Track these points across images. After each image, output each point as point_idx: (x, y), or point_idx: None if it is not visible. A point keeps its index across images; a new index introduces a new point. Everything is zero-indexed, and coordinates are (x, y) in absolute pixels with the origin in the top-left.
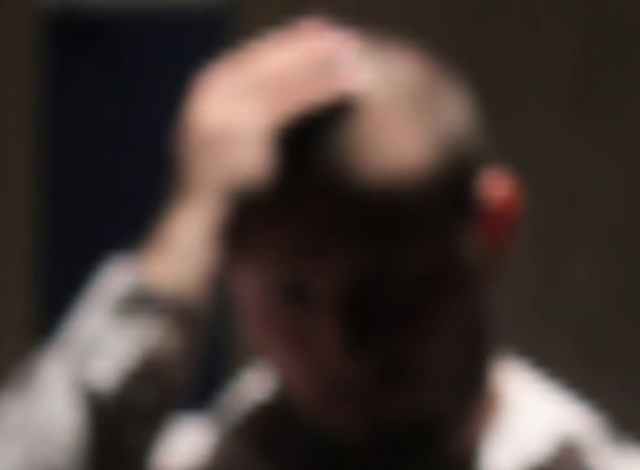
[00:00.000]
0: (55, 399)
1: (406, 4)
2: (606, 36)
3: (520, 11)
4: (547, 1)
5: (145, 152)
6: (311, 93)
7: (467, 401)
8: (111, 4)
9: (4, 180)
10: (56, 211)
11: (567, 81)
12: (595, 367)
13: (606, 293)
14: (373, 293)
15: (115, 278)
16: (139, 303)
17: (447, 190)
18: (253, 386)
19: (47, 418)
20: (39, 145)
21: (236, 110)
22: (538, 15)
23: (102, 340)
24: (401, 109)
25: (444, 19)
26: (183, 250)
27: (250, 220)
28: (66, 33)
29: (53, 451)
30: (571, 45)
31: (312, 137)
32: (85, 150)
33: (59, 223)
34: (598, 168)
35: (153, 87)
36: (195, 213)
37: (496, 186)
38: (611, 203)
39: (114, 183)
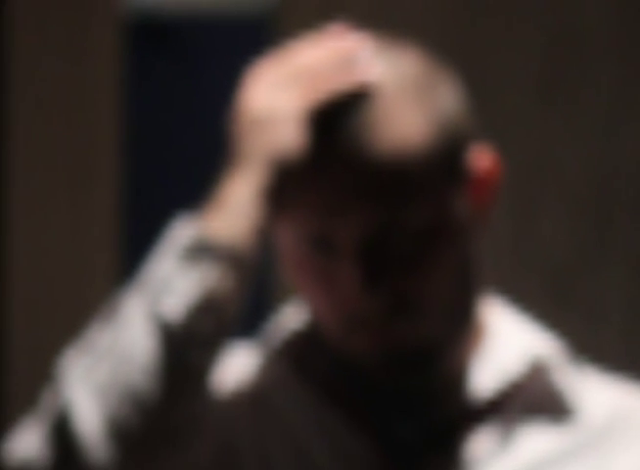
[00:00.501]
0: (134, 328)
1: (410, 14)
2: (566, 40)
3: (499, 18)
4: (520, 11)
5: (206, 132)
6: (336, 83)
7: (458, 329)
8: (179, 11)
9: (95, 154)
10: (138, 181)
11: (535, 75)
12: (558, 302)
13: (567, 244)
14: (384, 242)
15: (183, 232)
16: (201, 251)
17: (443, 160)
18: (291, 318)
19: (128, 343)
20: (123, 128)
21: (277, 96)
22: (513, 22)
23: (171, 281)
24: (406, 96)
25: (440, 24)
26: (235, 209)
27: (288, 185)
28: (143, 36)
29: (133, 370)
30: (538, 47)
31: (337, 118)
32: (160, 131)
33: (140, 189)
34: (561, 145)
35: (212, 80)
36: (244, 180)
37: (481, 158)
38: (571, 173)
39: (183, 158)
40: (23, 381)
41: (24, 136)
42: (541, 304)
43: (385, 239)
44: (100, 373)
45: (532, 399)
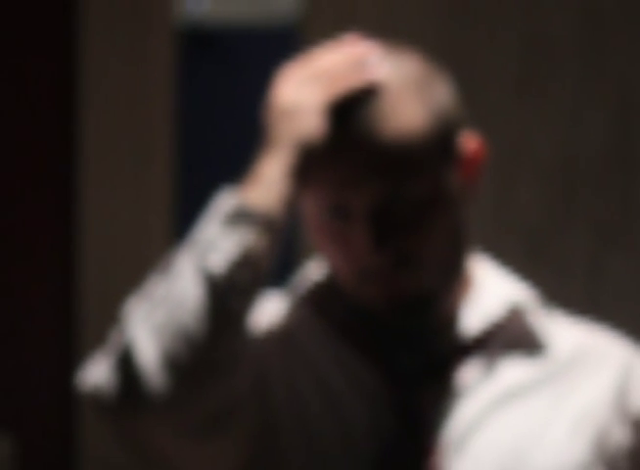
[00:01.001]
0: (185, 279)
1: (410, 25)
2: (538, 45)
3: (483, 28)
4: (499, 22)
5: (244, 122)
6: (350, 81)
7: (450, 280)
8: (222, 22)
9: (154, 139)
10: (189, 161)
11: (513, 74)
12: (532, 258)
13: (539, 211)
14: (390, 210)
15: (225, 201)
16: (240, 217)
17: (438, 143)
18: (313, 271)
19: (180, 292)
20: (176, 119)
21: (302, 92)
22: (494, 31)
23: (215, 241)
24: (408, 91)
25: (434, 33)
26: (268, 183)
27: (310, 163)
28: (193, 43)
29: (184, 313)
30: (515, 51)
31: (351, 109)
32: (206, 122)
33: (191, 168)
34: (534, 131)
35: (249, 79)
36: (275, 160)
37: (469, 141)
38: (542, 153)
39: (225, 143)
40: (95, 323)
41: (96, 126)
42: (517, 260)
43: (390, 207)
44: (156, 316)
45: (511, 337)
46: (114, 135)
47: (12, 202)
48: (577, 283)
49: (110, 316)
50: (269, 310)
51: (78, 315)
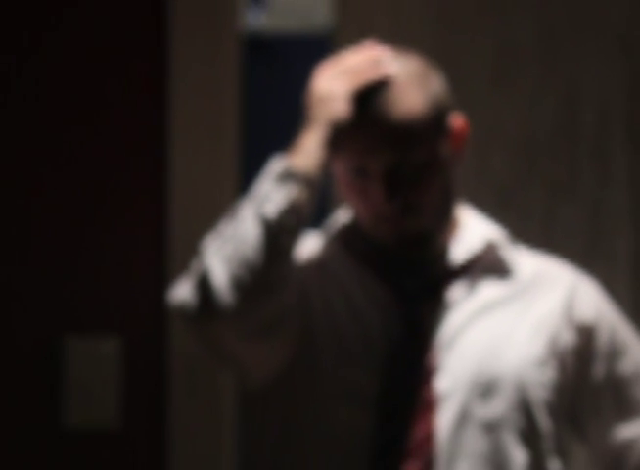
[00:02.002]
0: (247, 222)
1: (411, 34)
2: (508, 47)
3: (466, 34)
4: (478, 29)
5: (291, 109)
6: (369, 75)
7: (442, 223)
8: (273, 32)
9: (227, 124)
10: (251, 139)
11: (488, 70)
12: (502, 208)
13: (507, 173)
14: (398, 171)
15: (276, 164)
16: (287, 176)
17: (434, 121)
18: (341, 216)
19: (243, 232)
20: (242, 109)
21: (333, 83)
22: (474, 36)
23: (269, 194)
24: (411, 83)
25: (430, 40)
26: (307, 151)
27: (339, 137)
28: (251, 48)
29: (246, 248)
30: (490, 52)
31: (369, 96)
32: (264, 109)
33: (252, 144)
34: (505, 112)
35: (295, 74)
36: (313, 134)
37: (457, 120)
38: (511, 129)
39: (277, 125)
40: (182, 254)
41: (183, 112)
42: (491, 209)
43: (398, 169)
44: (226, 249)
45: (487, 265)
46: (197, 119)
47: (121, 156)
48: (536, 226)
49: (192, 249)
50: (309, 245)
51: (170, 248)
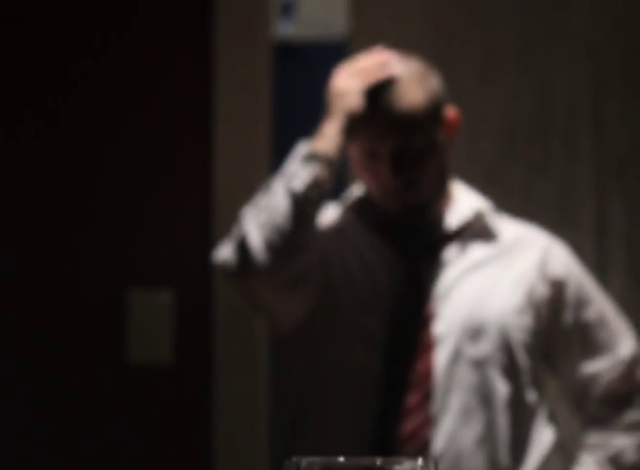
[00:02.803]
0: (278, 195)
1: (413, 42)
2: (491, 52)
3: (457, 41)
4: (467, 36)
5: (316, 105)
6: (378, 74)
7: (439, 196)
8: (299, 39)
9: (260, 117)
10: (281, 129)
11: (476, 70)
12: (488, 183)
13: (492, 153)
14: (403, 153)
15: (302, 148)
16: (311, 157)
17: (432, 112)
18: (356, 190)
19: (275, 203)
20: (273, 106)
21: (348, 81)
22: (464, 42)
23: (296, 172)
24: (413, 81)
25: (428, 44)
26: (328, 137)
27: (354, 125)
28: (280, 53)
29: (278, 216)
30: (478, 55)
31: (378, 92)
32: (291, 106)
33: (281, 133)
34: (490, 105)
35: (318, 75)
36: (332, 123)
37: (450, 112)
38: (495, 119)
39: (303, 120)
40: (224, 222)
41: (225, 108)
42: (478, 184)
43: (402, 151)
44: (260, 217)
45: (476, 230)
46: (237, 110)
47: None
48: (515, 199)
49: (233, 217)
50: (329, 214)
51: (215, 216)
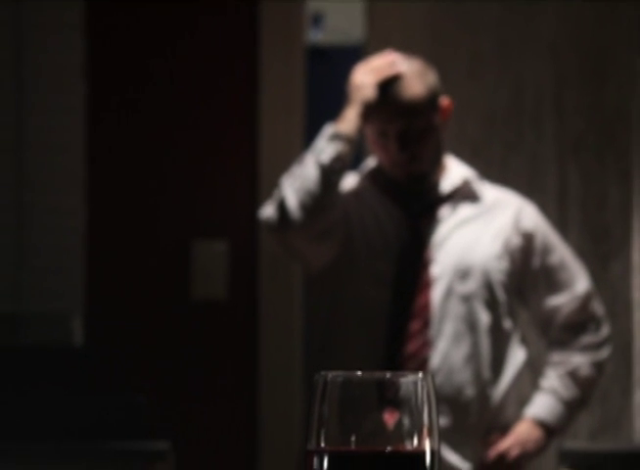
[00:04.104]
0: (309, 166)
1: (414, 47)
2: (478, 54)
3: (450, 44)
4: (456, 40)
5: (339, 97)
6: (388, 72)
7: (436, 167)
8: (326, 44)
9: (296, 110)
10: (310, 119)
11: (465, 68)
12: (475, 158)
13: (478, 135)
14: (408, 134)
15: (328, 129)
16: (335, 136)
17: (430, 101)
18: (370, 163)
19: (307, 172)
20: (305, 100)
21: (364, 77)
22: (455, 45)
23: (323, 148)
24: (415, 77)
25: (427, 48)
26: (348, 120)
27: (369, 112)
28: (311, 56)
29: (309, 182)
30: (466, 57)
31: (388, 85)
32: (319, 100)
33: (311, 122)
34: (476, 96)
35: (340, 76)
36: (352, 110)
37: (444, 101)
38: (480, 107)
39: (327, 109)
40: (268, 187)
41: (268, 104)
42: (466, 158)
43: (407, 132)
44: (296, 184)
45: (464, 194)
46: (277, 102)
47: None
48: (495, 169)
49: (274, 183)
50: (349, 181)
51: (261, 183)
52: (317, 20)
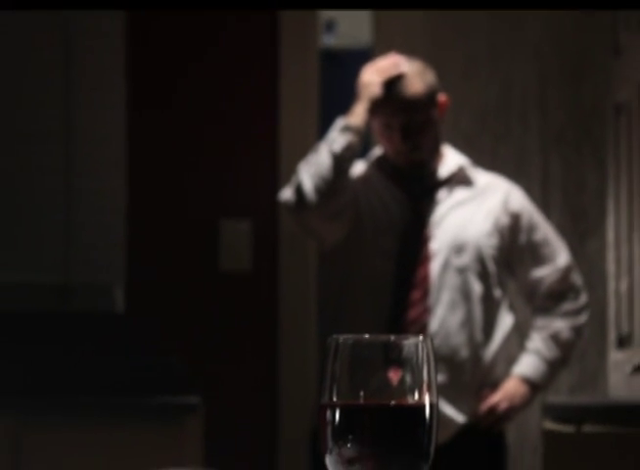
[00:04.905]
0: (323, 154)
1: (415, 50)
2: (470, 58)
3: (446, 48)
4: (449, 46)
5: (349, 95)
6: (392, 71)
7: (435, 154)
8: (338, 47)
9: (310, 107)
10: (324, 117)
11: (460, 67)
12: (469, 146)
13: (471, 128)
14: (410, 125)
15: (340, 122)
16: (346, 128)
17: (429, 98)
18: (377, 151)
19: (321, 160)
20: (320, 97)
21: (371, 76)
22: (449, 49)
23: (335, 138)
24: (416, 76)
25: (426, 51)
26: (357, 114)
27: (375, 107)
28: (325, 59)
29: (323, 169)
30: (460, 60)
31: (392, 83)
32: (333, 95)
33: (325, 120)
34: (470, 94)
35: (351, 75)
36: (360, 105)
37: (442, 97)
38: (474, 105)
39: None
40: (287, 173)
41: (288, 99)
42: (460, 148)
43: (409, 124)
44: (311, 170)
45: (459, 179)
46: (294, 98)
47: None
48: (486, 158)
49: (292, 169)
50: (358, 168)
51: (281, 169)
52: (330, 26)
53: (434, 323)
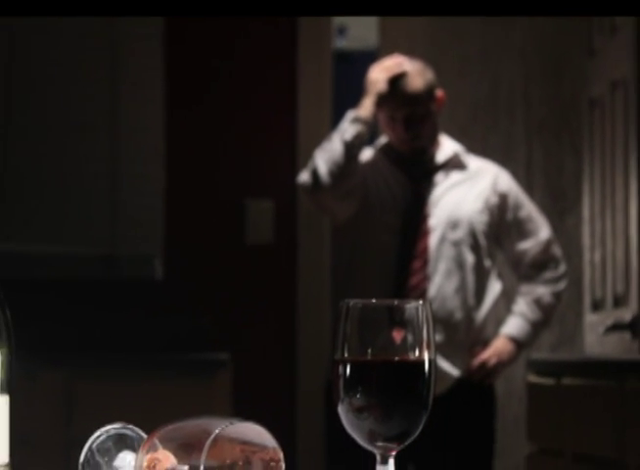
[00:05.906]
0: (336, 142)
1: (416, 51)
2: (465, 60)
3: (443, 50)
4: (445, 48)
5: (358, 92)
6: (396, 70)
7: (433, 142)
8: (348, 49)
9: (323, 100)
10: (335, 112)
11: (455, 66)
12: (463, 136)
13: (465, 119)
14: (412, 117)
15: (350, 114)
16: (355, 120)
17: (429, 93)
18: (382, 139)
19: (334, 147)
20: (333, 94)
21: (378, 74)
22: (446, 50)
23: (346, 129)
24: (417, 74)
25: (426, 52)
26: (365, 107)
27: (381, 101)
28: (337, 60)
29: (336, 155)
30: (456, 61)
31: (396, 80)
32: (344, 92)
33: (336, 114)
34: (464, 90)
35: (359, 74)
36: (368, 99)
37: (439, 92)
38: (467, 99)
39: (350, 100)
40: (304, 159)
41: (305, 95)
42: (455, 136)
43: (411, 116)
44: (325, 156)
45: (455, 164)
46: (311, 94)
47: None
48: (478, 145)
49: (309, 155)
50: (366, 154)
51: (299, 155)
52: (342, 30)
53: (433, 289)
